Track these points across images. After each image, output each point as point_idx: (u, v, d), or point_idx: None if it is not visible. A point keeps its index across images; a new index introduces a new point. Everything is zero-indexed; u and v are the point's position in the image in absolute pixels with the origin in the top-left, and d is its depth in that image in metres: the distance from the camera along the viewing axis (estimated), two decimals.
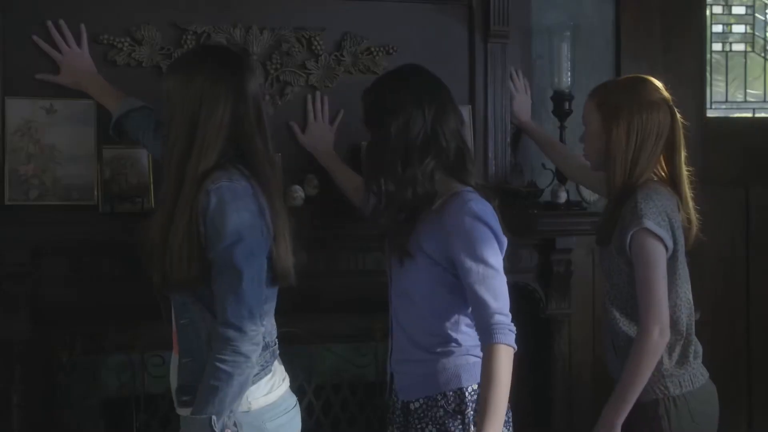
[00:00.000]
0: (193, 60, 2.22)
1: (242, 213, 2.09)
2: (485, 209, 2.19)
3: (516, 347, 2.16)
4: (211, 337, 2.12)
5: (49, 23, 2.72)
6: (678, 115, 2.44)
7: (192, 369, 2.14)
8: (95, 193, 2.75)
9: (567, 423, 3.19)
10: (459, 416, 2.22)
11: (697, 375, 2.42)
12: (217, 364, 2.06)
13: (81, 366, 2.81)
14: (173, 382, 2.25)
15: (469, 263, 2.15)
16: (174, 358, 2.24)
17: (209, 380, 2.07)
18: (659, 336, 2.32)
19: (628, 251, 2.37)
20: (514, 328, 2.17)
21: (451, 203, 2.20)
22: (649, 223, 2.33)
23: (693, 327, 2.45)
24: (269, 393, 2.19)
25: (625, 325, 2.43)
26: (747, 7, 3.82)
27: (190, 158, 2.11)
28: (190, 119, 2.13)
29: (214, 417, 2.05)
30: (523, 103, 3.14)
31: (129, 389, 2.86)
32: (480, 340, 2.20)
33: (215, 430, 2.05)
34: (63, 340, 2.79)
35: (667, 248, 2.36)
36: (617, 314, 2.45)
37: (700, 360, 2.45)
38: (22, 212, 2.70)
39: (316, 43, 2.94)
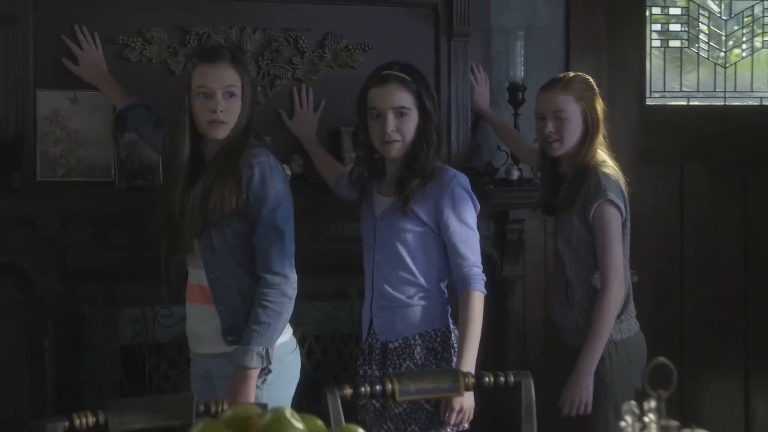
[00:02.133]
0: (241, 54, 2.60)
1: (279, 183, 2.44)
2: (467, 181, 2.57)
3: (486, 293, 2.53)
4: (242, 288, 2.40)
5: (75, 27, 2.89)
6: None
7: (231, 313, 2.43)
8: (113, 171, 2.92)
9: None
10: (432, 353, 2.55)
11: (632, 324, 2.74)
12: (267, 304, 2.36)
13: (101, 318, 2.95)
14: (202, 328, 2.50)
15: (455, 225, 2.51)
16: (201, 308, 2.48)
17: (261, 318, 2.35)
18: (618, 288, 2.61)
19: (590, 220, 2.62)
20: (485, 278, 2.54)
21: (440, 176, 2.53)
22: (612, 195, 2.61)
23: (630, 284, 2.75)
24: (284, 333, 2.49)
25: (581, 281, 2.69)
26: (682, 8, 3.91)
27: (245, 135, 2.46)
28: (253, 102, 2.51)
29: (268, 347, 2.37)
30: (482, 94, 3.31)
31: (142, 337, 3.01)
32: (458, 287, 2.53)
33: (270, 357, 2.37)
34: (86, 295, 2.93)
35: (622, 216, 2.65)
36: (575, 272, 2.70)
37: (634, 313, 2.77)
38: (52, 187, 2.87)
39: (301, 41, 3.10)
